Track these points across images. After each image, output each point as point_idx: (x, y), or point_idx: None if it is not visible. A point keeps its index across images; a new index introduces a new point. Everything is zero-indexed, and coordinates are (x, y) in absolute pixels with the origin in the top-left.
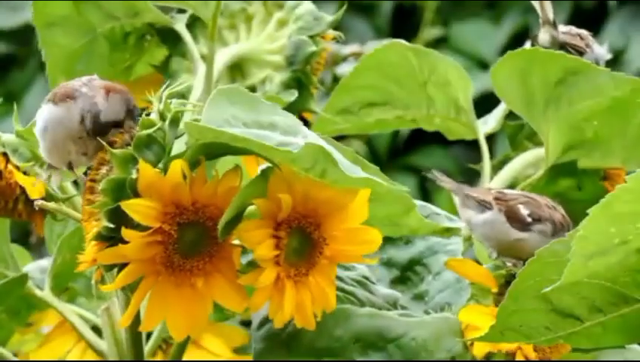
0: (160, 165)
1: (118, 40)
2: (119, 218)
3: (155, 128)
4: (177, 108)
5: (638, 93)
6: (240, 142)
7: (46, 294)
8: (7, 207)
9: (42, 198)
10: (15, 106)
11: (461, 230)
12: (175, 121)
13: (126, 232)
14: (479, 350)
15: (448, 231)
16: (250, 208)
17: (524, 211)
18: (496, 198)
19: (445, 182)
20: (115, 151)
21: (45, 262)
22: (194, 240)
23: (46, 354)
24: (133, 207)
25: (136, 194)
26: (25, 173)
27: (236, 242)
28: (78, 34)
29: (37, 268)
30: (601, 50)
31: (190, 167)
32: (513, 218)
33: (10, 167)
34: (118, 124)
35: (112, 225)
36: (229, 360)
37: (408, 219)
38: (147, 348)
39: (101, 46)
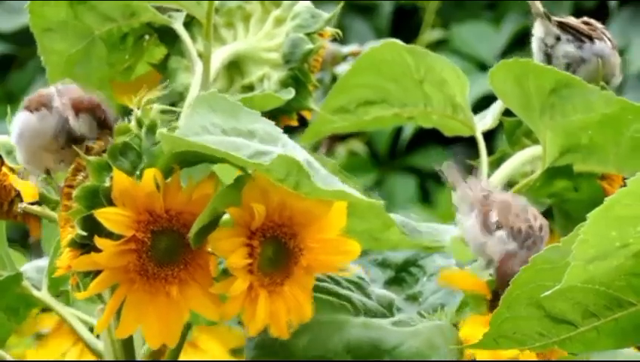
0: (137, 173)
1: (116, 41)
2: (93, 226)
3: (131, 135)
4: (155, 115)
5: (627, 112)
6: (212, 151)
7: (43, 294)
8: (3, 209)
9: (36, 201)
10: (9, 109)
11: (443, 247)
12: (152, 128)
13: (99, 240)
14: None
15: (430, 249)
16: (227, 216)
17: (493, 217)
18: (479, 201)
19: (451, 177)
20: (89, 158)
21: (42, 262)
22: (168, 248)
23: (43, 355)
24: (106, 215)
25: (110, 202)
26: (20, 175)
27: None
28: (75, 38)
29: (34, 268)
30: (603, 47)
31: (165, 175)
32: (484, 222)
33: (4, 169)
34: (92, 139)
35: (85, 233)
36: (226, 361)
37: (389, 234)
38: (145, 348)
39: (99, 48)
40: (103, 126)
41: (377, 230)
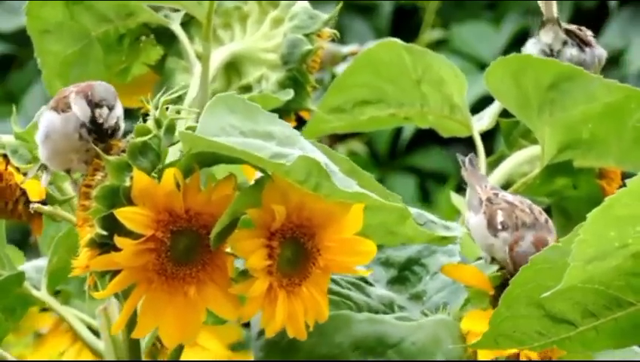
0: (155, 173)
1: (113, 42)
2: (112, 225)
3: (150, 136)
4: (173, 116)
5: (631, 100)
6: (233, 152)
7: (43, 294)
8: (7, 208)
9: (42, 200)
10: (14, 108)
11: (457, 238)
12: (171, 129)
13: (119, 240)
14: (484, 356)
15: (444, 240)
16: (246, 216)
17: (498, 218)
18: (487, 199)
19: (468, 172)
20: (109, 158)
21: (41, 262)
22: (187, 248)
23: (42, 355)
24: (126, 215)
25: (130, 202)
26: (25, 174)
27: (230, 250)
28: (72, 39)
29: (32, 268)
30: (602, 52)
31: (184, 175)
32: (490, 223)
33: (10, 168)
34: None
35: (105, 233)
36: (228, 361)
37: (404, 227)
38: (144, 347)
39: (96, 50)
40: (94, 103)
41: (393, 223)
